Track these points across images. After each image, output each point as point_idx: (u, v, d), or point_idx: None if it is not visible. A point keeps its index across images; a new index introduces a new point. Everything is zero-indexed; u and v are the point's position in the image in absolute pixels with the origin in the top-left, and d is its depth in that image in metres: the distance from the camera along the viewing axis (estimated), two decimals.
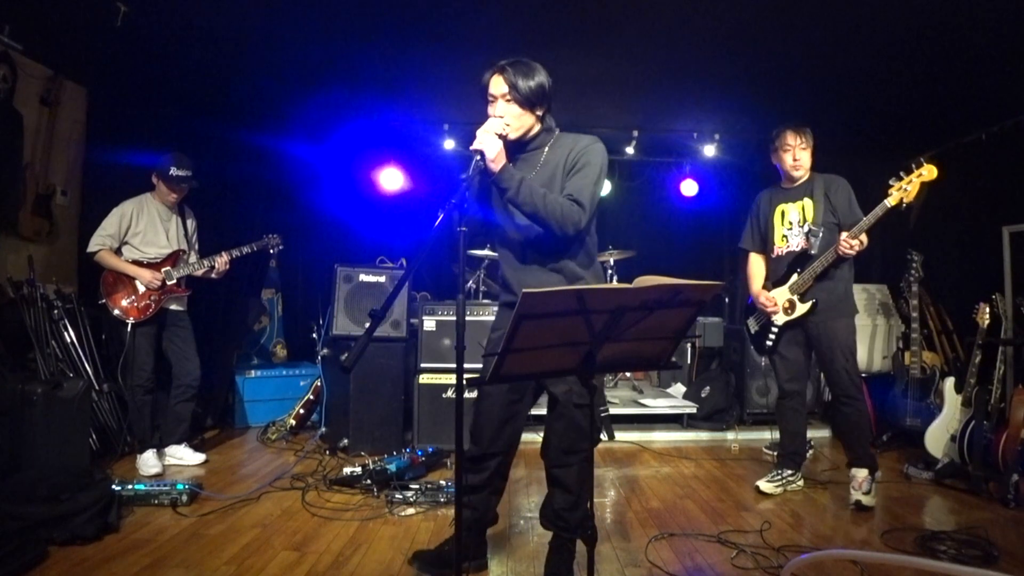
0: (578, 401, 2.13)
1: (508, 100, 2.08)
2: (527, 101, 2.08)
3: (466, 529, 2.15)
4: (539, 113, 2.15)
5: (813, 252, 3.18)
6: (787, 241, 3.35)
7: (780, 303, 3.31)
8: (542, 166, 2.17)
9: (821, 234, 3.17)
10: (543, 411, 2.36)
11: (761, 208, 3.50)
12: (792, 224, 3.33)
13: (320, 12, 3.33)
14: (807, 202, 3.27)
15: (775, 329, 3.35)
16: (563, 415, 2.18)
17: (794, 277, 3.25)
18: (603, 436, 4.37)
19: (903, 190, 2.95)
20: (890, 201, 2.96)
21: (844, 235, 3.04)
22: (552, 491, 2.28)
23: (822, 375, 3.96)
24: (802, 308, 3.22)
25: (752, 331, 3.52)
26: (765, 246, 3.47)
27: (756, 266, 3.53)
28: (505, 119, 2.07)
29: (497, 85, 2.09)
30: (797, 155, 3.28)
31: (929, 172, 2.93)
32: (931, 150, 5.22)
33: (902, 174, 2.98)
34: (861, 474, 3.13)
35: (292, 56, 3.89)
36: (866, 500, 3.09)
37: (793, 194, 3.34)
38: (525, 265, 2.19)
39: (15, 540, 2.25)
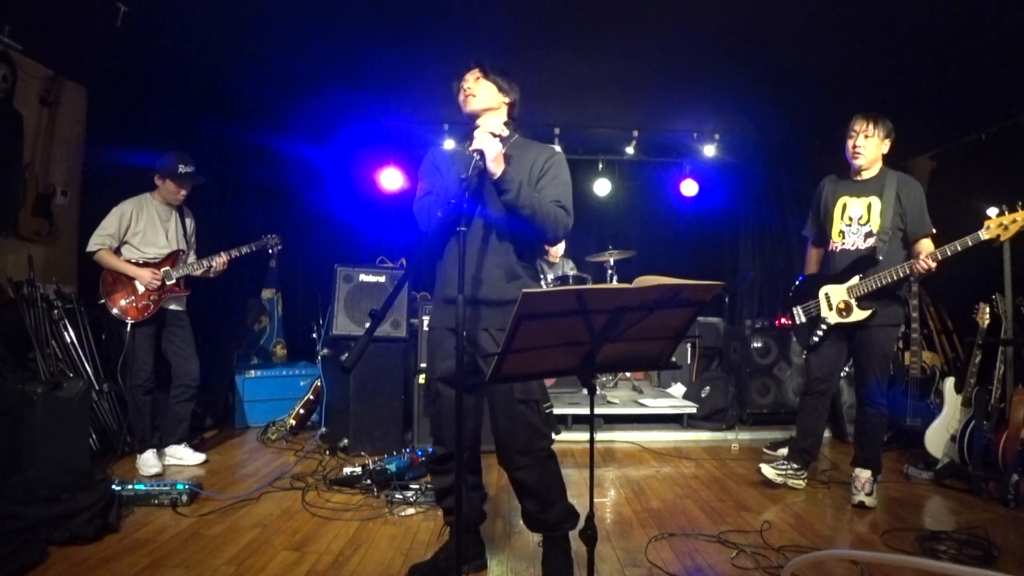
0: (520, 396, 2.11)
1: (477, 78, 2.20)
2: (495, 82, 2.20)
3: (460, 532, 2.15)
4: (506, 100, 2.23)
5: (880, 258, 3.03)
6: (844, 237, 3.18)
7: (835, 302, 3.18)
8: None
9: (887, 239, 3.03)
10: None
11: (824, 195, 3.31)
12: (852, 220, 3.15)
13: (320, 12, 3.33)
14: (874, 200, 3.09)
15: (824, 327, 3.23)
16: (506, 413, 2.13)
17: (855, 280, 3.10)
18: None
19: (1003, 227, 2.74)
20: (985, 234, 2.77)
21: (926, 254, 2.89)
22: (519, 497, 2.24)
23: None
24: (859, 314, 3.09)
25: (797, 321, 3.36)
26: (823, 237, 3.33)
27: (812, 258, 3.45)
28: (471, 90, 2.17)
29: (472, 72, 2.22)
30: (859, 142, 3.09)
31: None
32: (931, 150, 5.24)
33: (1004, 208, 2.79)
34: (864, 475, 3.13)
35: (293, 56, 3.89)
36: (868, 501, 3.10)
37: (861, 188, 3.16)
38: (480, 259, 2.16)
39: (15, 540, 2.25)
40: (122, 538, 2.55)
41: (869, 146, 3.10)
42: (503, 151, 2.15)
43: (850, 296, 3.12)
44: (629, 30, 3.52)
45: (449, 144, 5.11)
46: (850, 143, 3.14)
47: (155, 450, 3.51)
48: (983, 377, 3.58)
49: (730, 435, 4.58)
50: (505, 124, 2.20)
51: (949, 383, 3.67)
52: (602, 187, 5.75)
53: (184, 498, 2.93)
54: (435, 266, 2.32)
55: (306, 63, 3.99)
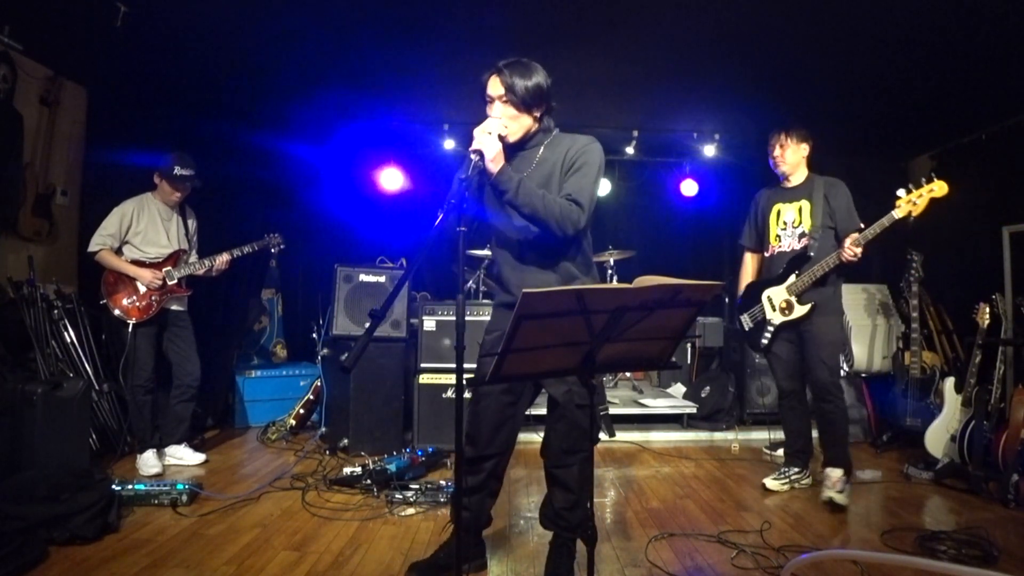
0: (579, 402, 2.14)
1: (505, 102, 2.08)
2: (523, 103, 2.08)
3: (463, 531, 2.15)
4: (536, 114, 2.14)
5: (812, 255, 3.20)
6: (780, 241, 3.39)
7: (777, 303, 3.32)
8: (538, 164, 2.17)
9: (819, 237, 3.20)
10: (544, 410, 2.35)
11: (760, 206, 3.54)
12: (787, 224, 3.37)
13: (320, 12, 3.33)
14: (804, 204, 3.31)
15: (771, 328, 3.36)
16: (564, 416, 2.18)
17: (792, 278, 3.26)
18: (603, 435, 4.37)
19: (912, 203, 2.93)
20: (897, 213, 2.96)
21: (849, 242, 3.04)
22: (552, 491, 2.28)
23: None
24: (800, 310, 3.24)
25: (746, 328, 3.52)
26: (761, 244, 3.51)
27: (748, 264, 3.63)
28: (502, 120, 2.06)
29: (494, 86, 2.09)
30: (776, 152, 3.35)
31: (940, 188, 2.89)
32: (931, 150, 5.23)
33: (911, 187, 2.96)
34: (836, 474, 3.13)
35: (292, 56, 3.89)
36: (838, 498, 3.07)
37: (791, 194, 3.38)
38: (522, 265, 2.19)
39: (15, 540, 2.25)
40: (122, 538, 2.55)
41: (787, 154, 3.34)
42: (539, 150, 2.17)
43: (790, 294, 3.27)
44: (629, 30, 3.52)
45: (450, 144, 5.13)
46: (771, 156, 3.39)
47: (155, 450, 3.51)
48: (983, 377, 3.58)
49: (730, 435, 4.58)
50: (541, 131, 2.18)
51: (949, 383, 3.67)
52: (602, 187, 5.68)
53: (184, 498, 2.93)
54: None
55: (306, 63, 3.99)
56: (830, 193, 3.25)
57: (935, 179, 2.93)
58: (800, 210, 3.31)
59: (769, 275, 3.41)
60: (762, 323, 3.40)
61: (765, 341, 3.39)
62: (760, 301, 3.41)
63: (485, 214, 2.21)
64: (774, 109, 4.65)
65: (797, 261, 3.27)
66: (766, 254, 3.47)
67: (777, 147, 3.35)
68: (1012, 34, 3.27)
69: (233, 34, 3.58)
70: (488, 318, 2.41)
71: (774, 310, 3.34)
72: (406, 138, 5.29)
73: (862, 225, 3.11)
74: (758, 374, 4.80)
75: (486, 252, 4.52)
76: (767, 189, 3.54)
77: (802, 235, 3.29)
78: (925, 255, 4.10)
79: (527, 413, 2.39)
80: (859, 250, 3.03)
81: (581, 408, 2.14)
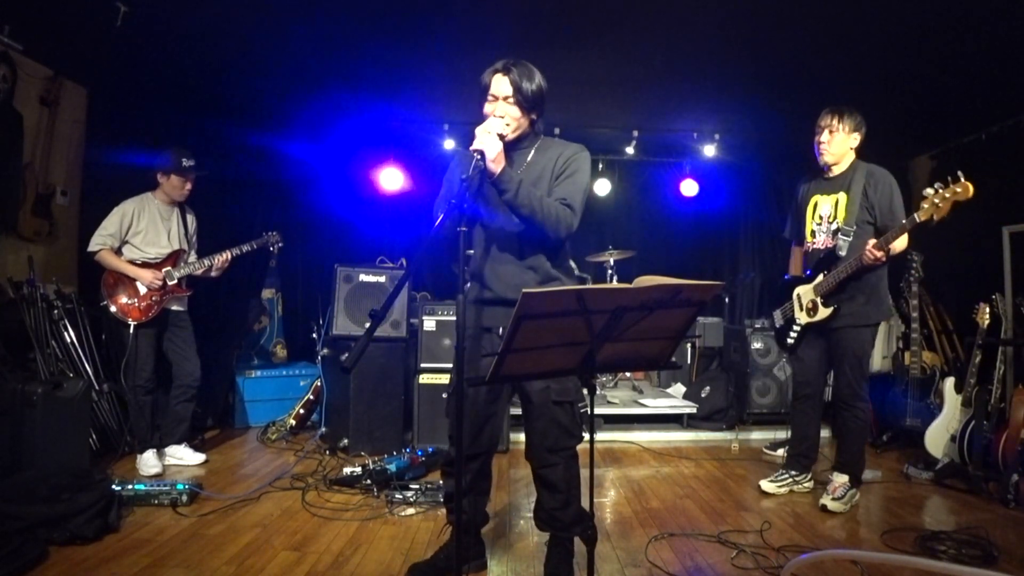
0: (556, 398, 2.12)
1: (511, 102, 2.08)
2: (528, 104, 2.09)
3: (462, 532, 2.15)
4: (533, 117, 2.17)
5: (841, 254, 2.99)
6: (814, 237, 3.18)
7: (805, 302, 3.19)
8: (528, 166, 2.18)
9: (852, 234, 2.96)
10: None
11: (799, 197, 3.32)
12: (822, 219, 3.14)
13: (320, 12, 3.33)
14: (842, 196, 3.05)
15: (797, 327, 3.24)
16: (543, 414, 2.15)
17: (820, 277, 3.09)
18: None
19: (935, 206, 2.65)
20: (920, 216, 2.69)
21: (871, 243, 2.83)
22: (541, 493, 2.26)
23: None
24: (823, 313, 3.08)
25: (777, 324, 3.40)
26: (802, 237, 3.31)
27: (794, 257, 3.44)
28: (505, 120, 2.07)
29: (501, 86, 2.09)
30: (824, 138, 3.06)
31: (964, 191, 2.60)
32: (931, 150, 5.24)
33: (939, 186, 2.67)
34: (840, 479, 3.10)
35: (292, 56, 3.89)
36: (833, 505, 3.01)
37: (830, 185, 3.13)
38: (502, 261, 2.17)
39: (15, 540, 2.25)
40: (122, 538, 2.55)
41: (835, 141, 3.05)
42: (530, 152, 2.17)
43: (816, 294, 3.12)
44: (629, 30, 3.52)
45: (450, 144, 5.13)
46: (816, 140, 3.10)
47: (155, 450, 3.51)
48: (983, 377, 3.58)
49: (730, 435, 4.58)
50: (532, 133, 2.18)
51: (949, 383, 3.67)
52: (602, 187, 5.75)
53: (184, 498, 2.93)
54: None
55: (306, 62, 3.99)
56: (870, 184, 2.98)
57: (962, 179, 2.59)
58: (836, 203, 3.06)
59: (808, 271, 3.22)
60: (790, 321, 3.28)
61: (791, 341, 3.26)
62: (791, 299, 3.27)
63: (479, 212, 2.20)
64: (774, 109, 4.66)
65: (828, 259, 3.06)
66: (804, 248, 3.28)
67: (826, 132, 3.03)
68: (1012, 34, 3.27)
69: (232, 34, 3.58)
70: None
71: (801, 309, 3.21)
72: (406, 138, 5.30)
73: (904, 220, 2.85)
74: (758, 374, 4.81)
75: None
76: (808, 178, 3.29)
77: (836, 231, 3.03)
78: (925, 255, 4.10)
79: (505, 413, 2.37)
80: (880, 253, 2.80)
81: (559, 404, 2.13)
